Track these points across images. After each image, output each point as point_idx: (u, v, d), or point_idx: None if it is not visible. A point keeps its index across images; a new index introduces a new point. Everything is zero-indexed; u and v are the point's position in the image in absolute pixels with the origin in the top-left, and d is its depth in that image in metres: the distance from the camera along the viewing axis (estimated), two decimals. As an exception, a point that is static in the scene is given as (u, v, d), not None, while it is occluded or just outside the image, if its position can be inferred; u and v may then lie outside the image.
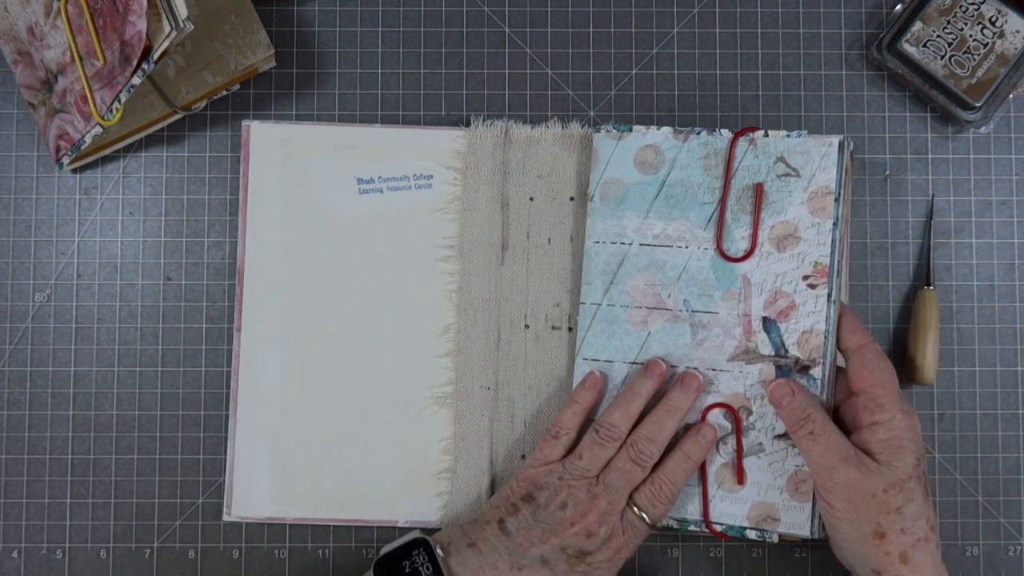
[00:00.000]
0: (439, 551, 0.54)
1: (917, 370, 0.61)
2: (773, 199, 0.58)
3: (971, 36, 0.62)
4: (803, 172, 0.57)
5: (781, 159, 0.58)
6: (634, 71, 0.64)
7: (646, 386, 0.57)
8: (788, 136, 0.58)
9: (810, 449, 0.54)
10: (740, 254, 0.58)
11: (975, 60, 0.62)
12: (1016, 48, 0.61)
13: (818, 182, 0.57)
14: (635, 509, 0.55)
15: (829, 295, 0.57)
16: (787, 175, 0.57)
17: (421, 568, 0.53)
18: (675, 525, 0.58)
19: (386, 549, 0.55)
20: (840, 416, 0.57)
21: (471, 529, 0.56)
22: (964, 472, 0.62)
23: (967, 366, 0.63)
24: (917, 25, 0.62)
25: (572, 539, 0.54)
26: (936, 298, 0.62)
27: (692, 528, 0.58)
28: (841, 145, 0.57)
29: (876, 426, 0.53)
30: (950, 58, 0.62)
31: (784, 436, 0.57)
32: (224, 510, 0.61)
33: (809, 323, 0.57)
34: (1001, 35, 0.62)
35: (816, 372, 0.57)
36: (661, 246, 0.59)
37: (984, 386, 0.63)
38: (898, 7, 0.63)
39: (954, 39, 0.62)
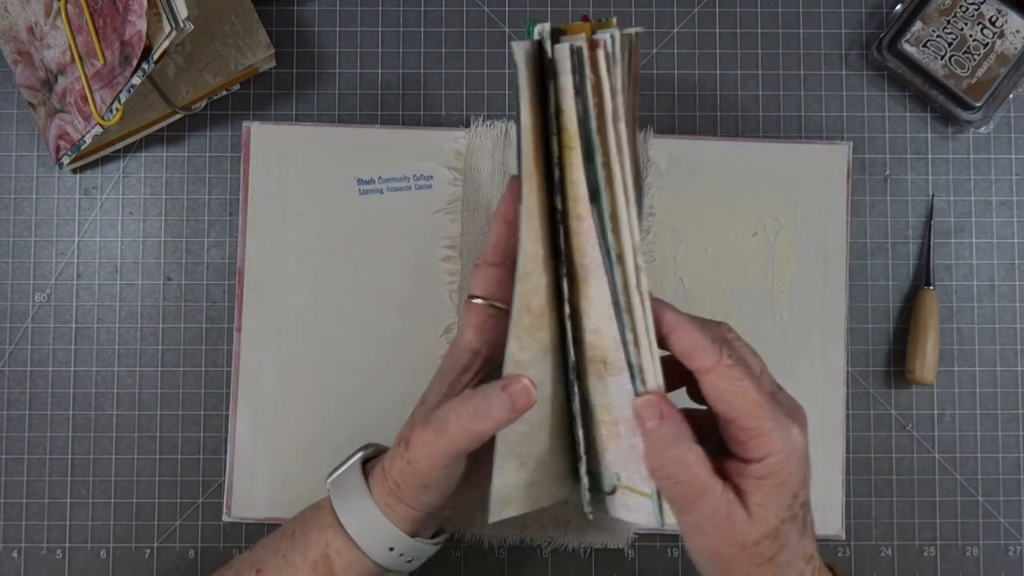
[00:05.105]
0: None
1: (917, 370, 0.61)
2: None
3: (971, 36, 0.62)
4: None
5: None
6: (634, 71, 0.64)
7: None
8: None
9: (672, 496, 0.45)
10: None
11: (975, 60, 0.62)
12: (1016, 48, 0.62)
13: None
14: None
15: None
16: None
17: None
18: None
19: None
20: (710, 433, 0.46)
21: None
22: (964, 472, 0.62)
23: (967, 366, 0.63)
24: (917, 25, 0.62)
25: None
26: (936, 298, 0.62)
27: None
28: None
29: (751, 464, 0.44)
30: (950, 58, 0.62)
31: None
32: (224, 510, 0.61)
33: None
34: (1001, 35, 0.62)
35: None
36: None
37: (984, 386, 0.63)
38: (898, 7, 0.63)
39: (954, 39, 0.62)
